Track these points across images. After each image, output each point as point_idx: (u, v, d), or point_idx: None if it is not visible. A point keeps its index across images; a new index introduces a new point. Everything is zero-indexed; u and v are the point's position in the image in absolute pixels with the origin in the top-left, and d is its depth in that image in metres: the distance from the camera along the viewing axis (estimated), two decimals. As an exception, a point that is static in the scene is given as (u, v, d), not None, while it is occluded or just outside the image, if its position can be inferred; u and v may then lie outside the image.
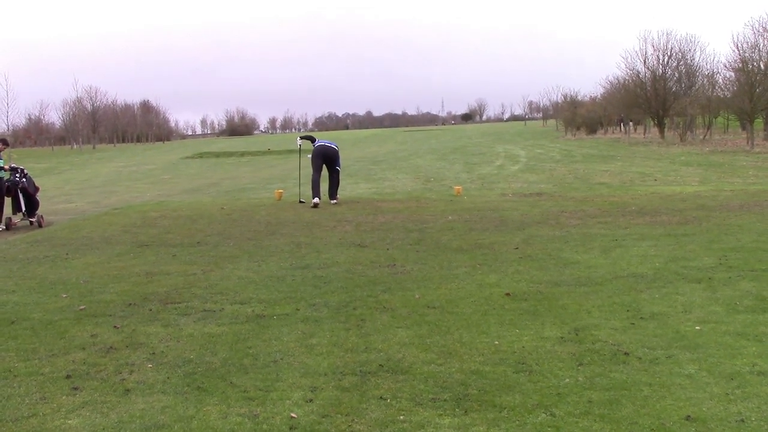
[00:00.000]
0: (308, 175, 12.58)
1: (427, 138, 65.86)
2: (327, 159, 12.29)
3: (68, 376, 3.65)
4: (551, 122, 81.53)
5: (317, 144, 12.35)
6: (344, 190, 15.32)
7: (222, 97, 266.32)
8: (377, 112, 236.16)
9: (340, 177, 13.16)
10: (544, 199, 11.93)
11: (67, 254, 7.54)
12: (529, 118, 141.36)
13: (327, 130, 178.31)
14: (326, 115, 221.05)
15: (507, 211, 10.14)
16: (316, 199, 11.71)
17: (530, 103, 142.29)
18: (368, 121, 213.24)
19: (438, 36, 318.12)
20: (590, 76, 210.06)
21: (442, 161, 27.00)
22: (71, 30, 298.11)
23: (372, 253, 6.96)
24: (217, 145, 67.78)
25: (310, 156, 12.48)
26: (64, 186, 21.91)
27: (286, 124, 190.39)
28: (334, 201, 12.18)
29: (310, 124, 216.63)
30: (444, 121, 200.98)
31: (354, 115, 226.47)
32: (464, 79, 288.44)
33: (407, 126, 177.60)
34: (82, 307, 5.10)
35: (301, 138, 13.13)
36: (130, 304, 5.17)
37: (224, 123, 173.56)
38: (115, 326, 4.57)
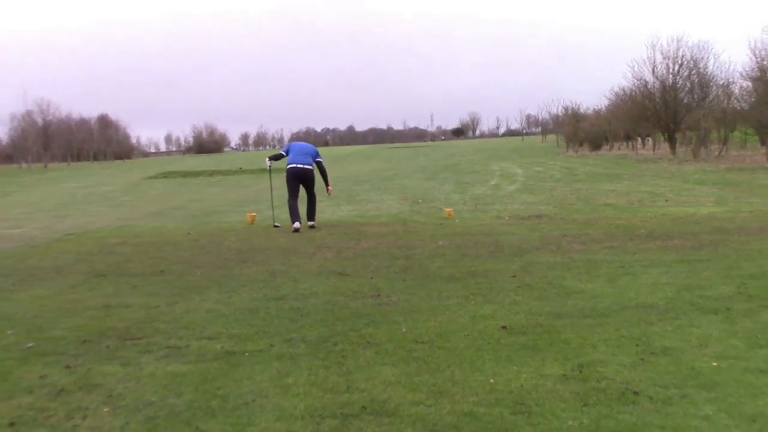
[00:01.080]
0: (283, 196, 12.63)
1: (415, 155, 66.19)
2: (303, 181, 12.26)
3: (12, 424, 3.59)
4: (551, 137, 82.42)
5: (289, 165, 12.21)
6: (323, 213, 15.32)
7: (189, 111, 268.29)
8: (360, 127, 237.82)
9: (331, 185, 13.21)
10: (543, 222, 12.01)
11: (13, 286, 7.46)
12: (527, 133, 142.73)
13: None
14: (304, 130, 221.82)
15: (503, 236, 10.20)
16: (297, 224, 11.72)
17: (528, 117, 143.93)
18: (350, 137, 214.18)
19: (427, 45, 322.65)
20: (594, 87, 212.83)
21: (431, 181, 27.12)
22: (20, 33, 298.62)
23: (354, 283, 6.96)
24: (184, 164, 67.63)
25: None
26: (11, 210, 21.74)
27: (260, 141, 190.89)
28: (312, 223, 12.18)
29: (285, 140, 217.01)
30: (433, 136, 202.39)
31: (335, 130, 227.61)
32: (456, 91, 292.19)
33: (393, 142, 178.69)
34: (29, 344, 5.04)
35: (270, 159, 12.93)
36: (85, 341, 5.12)
37: (191, 139, 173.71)
38: (67, 366, 4.52)
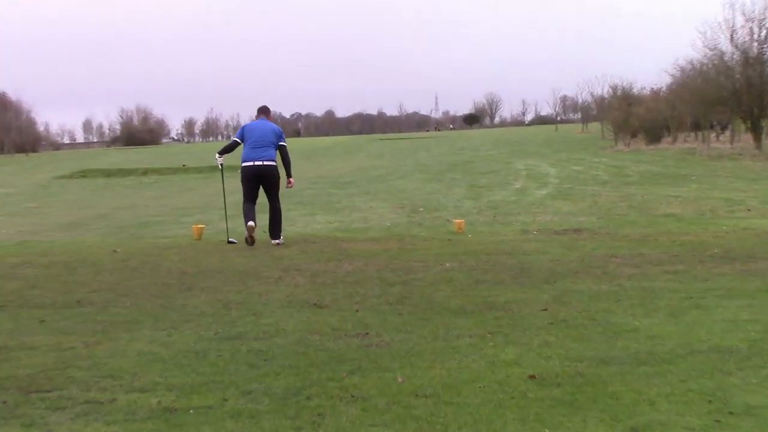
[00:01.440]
0: (238, 203, 12.61)
1: (415, 149, 66.31)
2: (263, 182, 12.25)
3: None
4: (594, 126, 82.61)
5: (244, 162, 12.21)
6: (293, 224, 15.35)
7: (116, 91, 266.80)
8: (342, 112, 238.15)
9: (293, 179, 13.17)
10: (584, 238, 12.06)
11: None
12: (561, 121, 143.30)
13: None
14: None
15: (531, 256, 10.23)
16: (251, 222, 11.86)
17: (563, 99, 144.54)
18: (328, 125, 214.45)
19: (430, 6, 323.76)
20: (651, 59, 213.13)
21: (435, 183, 27.20)
22: None
23: (334, 317, 6.96)
24: (109, 159, 67.61)
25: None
26: None
27: (210, 130, 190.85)
28: (276, 242, 12.18)
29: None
30: (438, 124, 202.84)
31: (308, 116, 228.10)
32: (468, 66, 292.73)
33: (385, 132, 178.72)
34: None
35: (220, 154, 12.85)
36: (-26, 393, 5.09)
37: (118, 127, 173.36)
38: (-50, 427, 4.50)
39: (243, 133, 12.44)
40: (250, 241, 12.04)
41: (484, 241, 12.05)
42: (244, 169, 12.18)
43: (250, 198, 12.20)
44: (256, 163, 12.12)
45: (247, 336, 6.38)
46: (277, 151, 12.33)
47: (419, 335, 6.27)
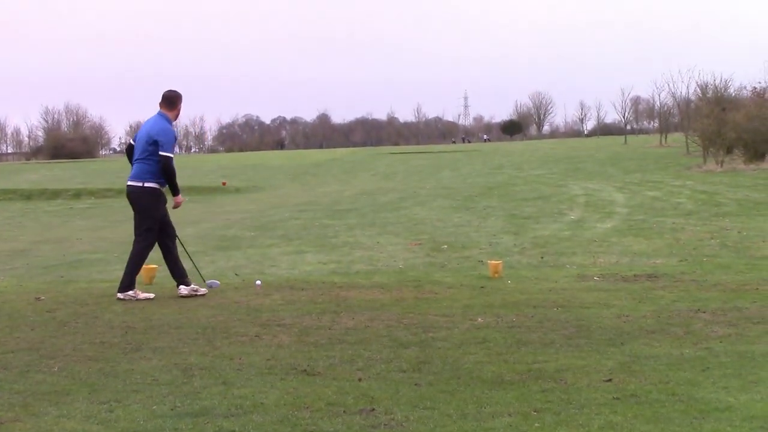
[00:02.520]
0: (206, 235, 12.66)
1: (437, 167, 66.36)
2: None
3: None
4: (676, 138, 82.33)
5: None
6: (276, 265, 15.40)
7: (38, 86, 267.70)
8: (340, 117, 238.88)
9: (182, 196, 12.80)
10: (661, 286, 12.07)
11: None
12: (633, 130, 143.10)
13: (241, 149, 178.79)
14: (240, 120, 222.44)
15: (590, 309, 10.26)
16: (183, 289, 11.95)
17: (635, 102, 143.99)
18: (323, 135, 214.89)
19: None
20: (753, 49, 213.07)
21: (464, 212, 27.24)
22: None
23: (330, 388, 7.00)
24: (28, 176, 67.73)
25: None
26: None
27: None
28: (120, 296, 11.84)
29: (209, 137, 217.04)
30: (467, 135, 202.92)
31: (296, 121, 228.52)
32: (508, 56, 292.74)
33: (397, 143, 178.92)
34: None
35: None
36: None
37: (41, 134, 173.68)
38: None
39: (136, 137, 12.43)
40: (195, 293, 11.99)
41: (528, 289, 12.06)
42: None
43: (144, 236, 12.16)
44: (127, 183, 12.19)
45: (214, 412, 6.40)
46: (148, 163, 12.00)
47: (442, 413, 6.29)
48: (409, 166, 70.42)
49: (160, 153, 11.86)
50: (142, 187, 11.98)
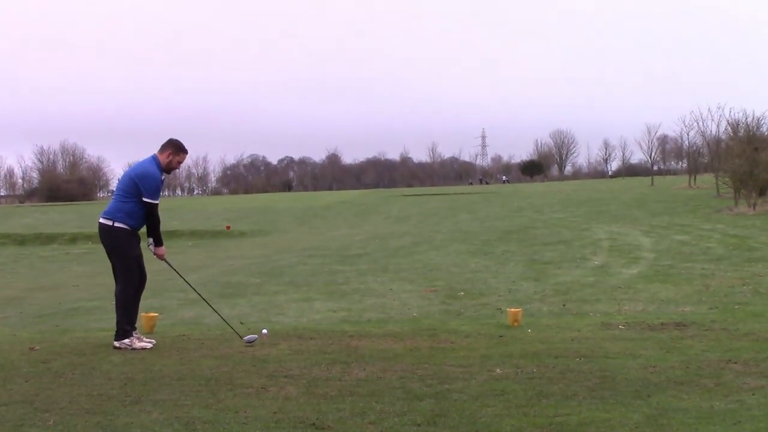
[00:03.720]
0: (210, 281, 12.67)
1: (453, 210, 66.34)
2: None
3: None
4: (706, 179, 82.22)
5: None
6: (283, 313, 15.41)
7: (32, 124, 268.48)
8: (350, 157, 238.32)
9: (164, 247, 12.53)
10: (690, 335, 12.05)
11: None
12: (660, 171, 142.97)
13: (247, 191, 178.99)
14: (246, 160, 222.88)
15: (615, 360, 10.25)
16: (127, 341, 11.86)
17: (663, 142, 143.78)
18: (332, 175, 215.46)
19: (469, 5, 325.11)
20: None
21: (481, 257, 27.22)
22: None
23: (341, 443, 7.00)
24: (22, 221, 67.88)
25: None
26: None
27: (168, 180, 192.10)
28: (116, 344, 11.88)
29: (212, 179, 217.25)
30: (484, 176, 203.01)
31: (304, 161, 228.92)
32: (527, 94, 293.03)
33: (411, 185, 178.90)
34: None
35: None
36: None
37: (35, 175, 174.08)
38: None
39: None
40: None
41: (549, 338, 12.05)
42: None
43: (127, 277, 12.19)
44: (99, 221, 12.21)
45: (218, 467, 6.42)
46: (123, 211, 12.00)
47: (458, 469, 6.30)
48: (423, 208, 70.43)
49: (144, 199, 11.89)
50: (112, 226, 12.01)
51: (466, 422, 7.59)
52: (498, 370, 9.77)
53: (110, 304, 17.31)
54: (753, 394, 8.41)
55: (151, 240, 12.17)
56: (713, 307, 15.08)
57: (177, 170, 12.59)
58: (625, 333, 12.42)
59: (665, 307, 15.29)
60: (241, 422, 7.73)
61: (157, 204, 12.06)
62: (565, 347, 11.21)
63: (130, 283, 12.08)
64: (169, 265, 12.53)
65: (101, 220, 12.09)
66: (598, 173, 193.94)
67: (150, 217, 12.02)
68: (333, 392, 8.86)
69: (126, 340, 11.82)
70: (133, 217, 11.96)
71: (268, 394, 8.83)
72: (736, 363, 9.91)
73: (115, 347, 11.80)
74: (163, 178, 12.27)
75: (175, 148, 12.23)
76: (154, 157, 12.19)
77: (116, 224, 11.97)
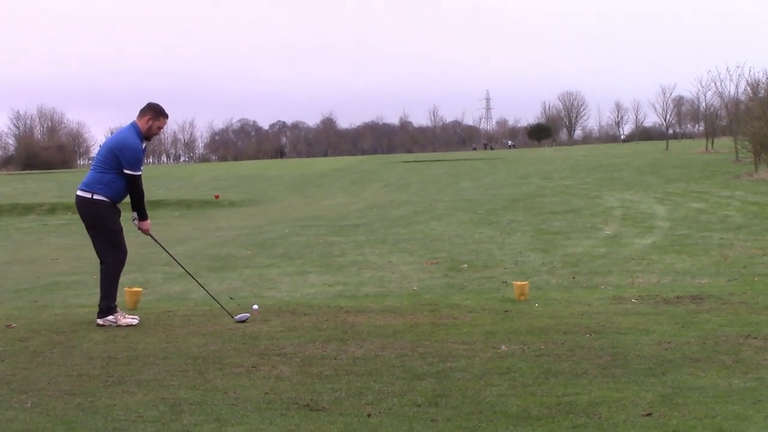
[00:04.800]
0: (196, 254, 12.62)
1: (455, 177, 66.30)
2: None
3: None
4: (724, 143, 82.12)
5: None
6: (276, 287, 15.38)
7: (8, 85, 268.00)
8: (346, 122, 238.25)
9: (149, 221, 12.53)
10: (707, 309, 12.03)
11: None
12: (675, 135, 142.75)
13: (236, 158, 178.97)
14: (235, 125, 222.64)
15: (627, 335, 10.25)
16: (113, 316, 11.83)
17: (678, 103, 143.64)
18: (327, 141, 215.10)
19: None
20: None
21: (486, 227, 27.23)
22: None
23: (335, 425, 7.01)
24: (-3, 190, 67.76)
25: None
26: None
27: (153, 146, 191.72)
28: (99, 321, 11.85)
29: (200, 145, 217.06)
30: (489, 141, 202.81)
31: (297, 126, 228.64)
32: (534, 53, 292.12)
33: (411, 151, 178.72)
34: None
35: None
36: None
37: (11, 142, 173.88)
38: None
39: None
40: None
41: (557, 313, 12.05)
42: None
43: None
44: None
45: (205, 452, 6.40)
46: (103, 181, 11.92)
47: (461, 452, 6.28)
48: (424, 176, 70.34)
49: (125, 171, 11.82)
50: (91, 199, 11.94)
51: (469, 402, 7.58)
52: (503, 347, 9.77)
53: (92, 278, 17.38)
54: (774, 372, 8.40)
55: (135, 214, 12.16)
56: (732, 279, 15.07)
57: (158, 136, 12.53)
58: (638, 307, 12.41)
59: (681, 280, 15.28)
60: (230, 403, 7.73)
61: (139, 175, 12.00)
62: (574, 322, 11.20)
63: (119, 259, 12.06)
64: (155, 240, 12.50)
65: (79, 193, 12.00)
66: (609, 137, 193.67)
67: (133, 188, 11.97)
68: (328, 371, 8.86)
69: (110, 317, 11.80)
70: (113, 188, 11.90)
71: (259, 374, 8.83)
72: (755, 338, 9.90)
73: (99, 325, 11.77)
74: (144, 146, 12.21)
75: (154, 113, 12.14)
76: (133, 125, 12.09)
77: (95, 196, 11.90)
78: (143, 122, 12.10)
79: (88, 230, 12.18)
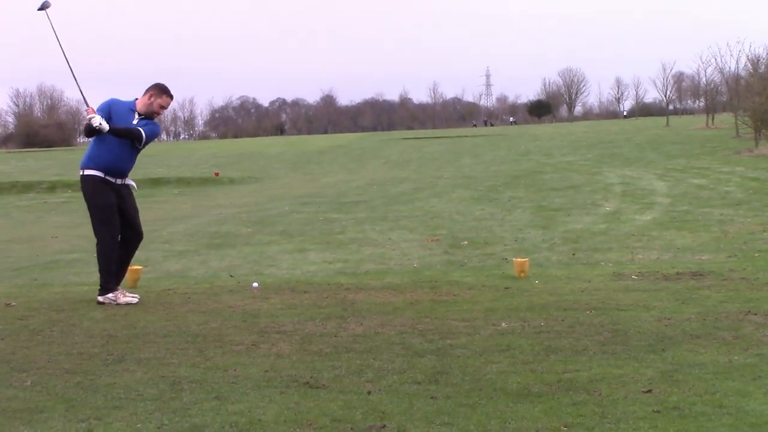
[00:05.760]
0: (195, 232, 12.64)
1: (456, 153, 66.34)
2: (122, 208, 12.19)
3: None
4: (725, 119, 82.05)
5: (96, 168, 12.04)
6: (275, 264, 15.39)
7: (8, 63, 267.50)
8: (346, 98, 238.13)
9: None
10: (707, 285, 12.05)
11: None
12: (676, 111, 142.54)
13: (236, 135, 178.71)
14: (235, 103, 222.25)
15: (628, 312, 10.28)
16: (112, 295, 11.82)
17: (678, 79, 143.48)
18: (327, 118, 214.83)
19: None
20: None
21: (486, 204, 27.24)
22: None
23: (336, 402, 7.01)
24: (-3, 168, 67.73)
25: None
26: None
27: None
28: (100, 299, 11.89)
29: (199, 122, 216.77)
30: (489, 117, 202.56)
31: (298, 103, 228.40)
32: (534, 29, 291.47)
33: (411, 128, 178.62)
34: None
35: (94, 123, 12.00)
36: None
37: (11, 120, 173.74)
38: None
39: (108, 109, 12.10)
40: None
41: (557, 289, 12.08)
42: (95, 181, 12.04)
43: (112, 230, 12.14)
44: (109, 179, 12.00)
45: (205, 430, 6.42)
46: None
47: (461, 429, 6.29)
48: (424, 152, 70.39)
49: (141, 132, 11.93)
50: (82, 175, 12.07)
51: (469, 379, 7.60)
52: (503, 324, 9.79)
53: (91, 257, 17.29)
54: (774, 348, 8.41)
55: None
56: (732, 255, 15.08)
57: (160, 115, 12.47)
58: (638, 283, 12.43)
59: (681, 256, 15.29)
60: (230, 381, 7.74)
61: (122, 129, 11.85)
62: (574, 299, 11.23)
63: (109, 235, 12.05)
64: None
65: (122, 181, 12.15)
66: (609, 113, 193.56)
67: (120, 131, 11.83)
68: (328, 349, 8.89)
69: (110, 295, 11.83)
70: (94, 158, 11.93)
71: (258, 352, 8.85)
72: (756, 314, 9.93)
73: (99, 302, 11.81)
74: (136, 121, 12.05)
75: (158, 90, 12.14)
76: (131, 101, 12.17)
77: (85, 172, 12.03)
78: (146, 98, 12.13)
79: (130, 213, 12.27)
